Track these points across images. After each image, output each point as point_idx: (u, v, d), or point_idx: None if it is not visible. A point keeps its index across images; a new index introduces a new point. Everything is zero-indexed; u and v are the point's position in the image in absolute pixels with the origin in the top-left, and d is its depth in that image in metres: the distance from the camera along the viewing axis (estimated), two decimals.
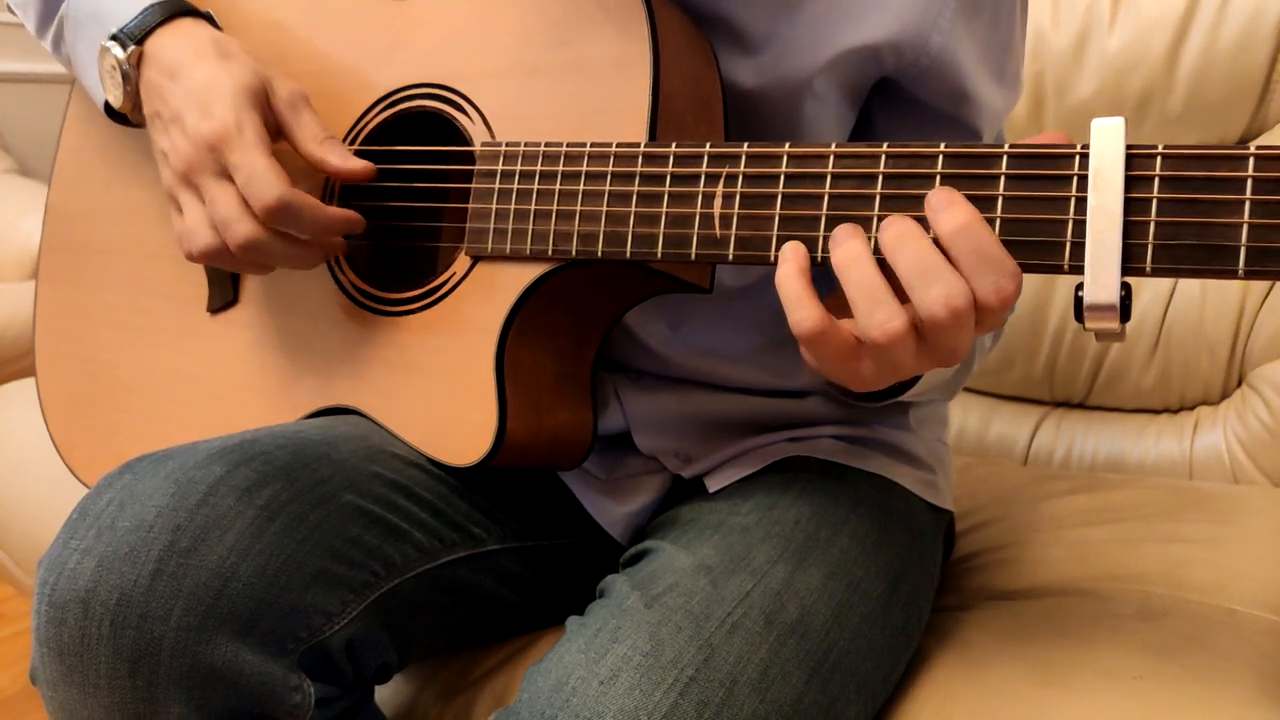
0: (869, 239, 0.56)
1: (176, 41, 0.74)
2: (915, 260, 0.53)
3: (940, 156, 0.56)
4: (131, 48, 0.75)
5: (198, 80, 0.72)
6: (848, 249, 0.55)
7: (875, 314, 0.53)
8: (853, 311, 0.54)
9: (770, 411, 0.82)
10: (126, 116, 0.78)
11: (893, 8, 0.70)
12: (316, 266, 0.75)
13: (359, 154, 0.77)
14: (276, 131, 0.73)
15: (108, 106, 0.79)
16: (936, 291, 0.52)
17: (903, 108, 0.75)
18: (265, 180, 0.68)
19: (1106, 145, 0.52)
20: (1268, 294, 1.14)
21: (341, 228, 0.73)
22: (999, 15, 0.75)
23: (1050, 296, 1.24)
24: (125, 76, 0.75)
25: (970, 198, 0.55)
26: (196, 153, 0.70)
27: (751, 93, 0.72)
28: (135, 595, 0.59)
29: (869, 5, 0.70)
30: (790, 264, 0.56)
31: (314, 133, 0.73)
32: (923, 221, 0.55)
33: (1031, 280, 1.24)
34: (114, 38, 0.75)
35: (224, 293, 0.83)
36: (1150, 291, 1.19)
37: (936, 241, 0.53)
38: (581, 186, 0.66)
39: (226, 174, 0.70)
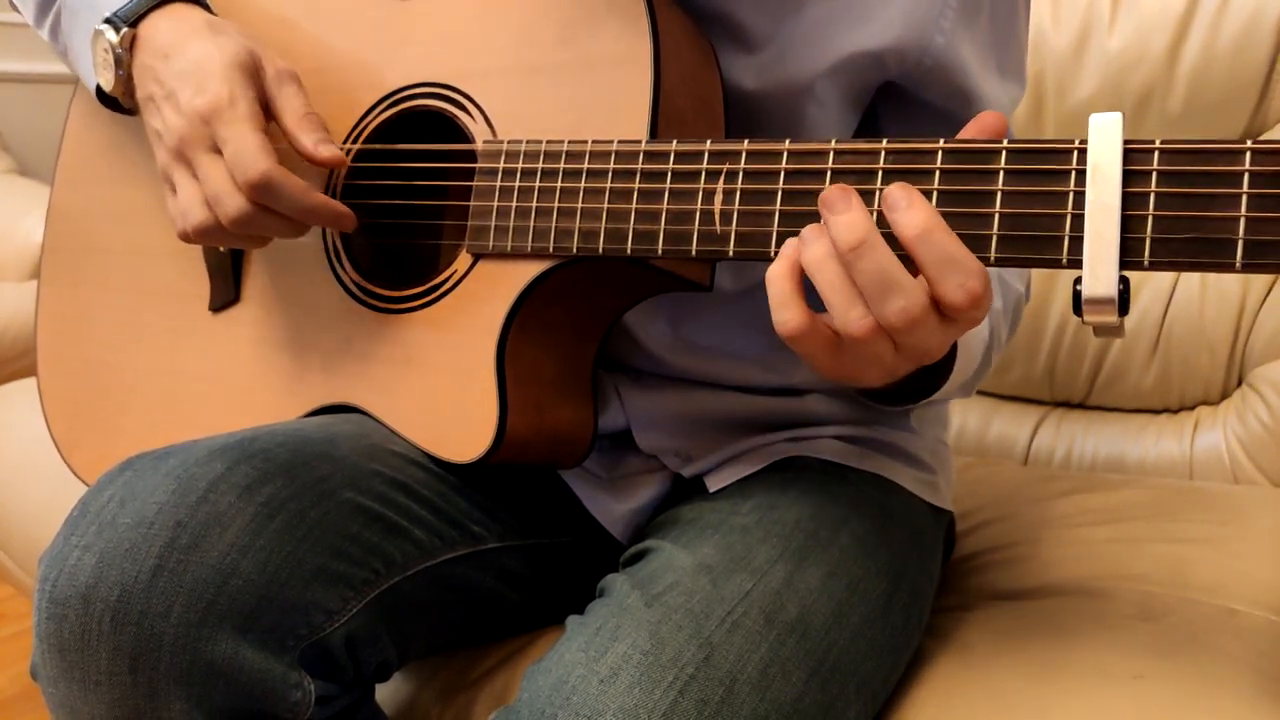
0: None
1: (170, 24, 0.75)
2: (873, 273, 0.53)
3: (939, 152, 0.56)
4: (125, 30, 0.75)
5: (190, 58, 0.72)
6: (815, 250, 0.55)
7: (850, 311, 0.54)
8: (828, 309, 0.55)
9: (771, 411, 0.82)
10: (119, 102, 0.78)
11: (895, 11, 0.70)
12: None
13: (361, 153, 0.77)
14: (267, 108, 0.73)
15: (100, 92, 0.78)
16: (895, 305, 0.53)
17: (908, 109, 0.75)
18: (251, 155, 0.68)
19: (1104, 140, 0.52)
20: (1268, 293, 1.14)
21: (327, 218, 0.73)
22: (999, 11, 0.75)
23: (1050, 296, 1.24)
24: (118, 60, 0.75)
25: (969, 193, 0.55)
26: (189, 127, 0.70)
27: (752, 94, 0.72)
28: (136, 591, 0.59)
29: (871, 8, 0.70)
30: (783, 262, 0.56)
31: (294, 107, 0.73)
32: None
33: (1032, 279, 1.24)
34: (108, 21, 0.75)
35: (225, 291, 0.83)
36: (1150, 291, 1.19)
37: (895, 241, 0.54)
38: (583, 184, 0.66)
39: (217, 148, 0.70)
